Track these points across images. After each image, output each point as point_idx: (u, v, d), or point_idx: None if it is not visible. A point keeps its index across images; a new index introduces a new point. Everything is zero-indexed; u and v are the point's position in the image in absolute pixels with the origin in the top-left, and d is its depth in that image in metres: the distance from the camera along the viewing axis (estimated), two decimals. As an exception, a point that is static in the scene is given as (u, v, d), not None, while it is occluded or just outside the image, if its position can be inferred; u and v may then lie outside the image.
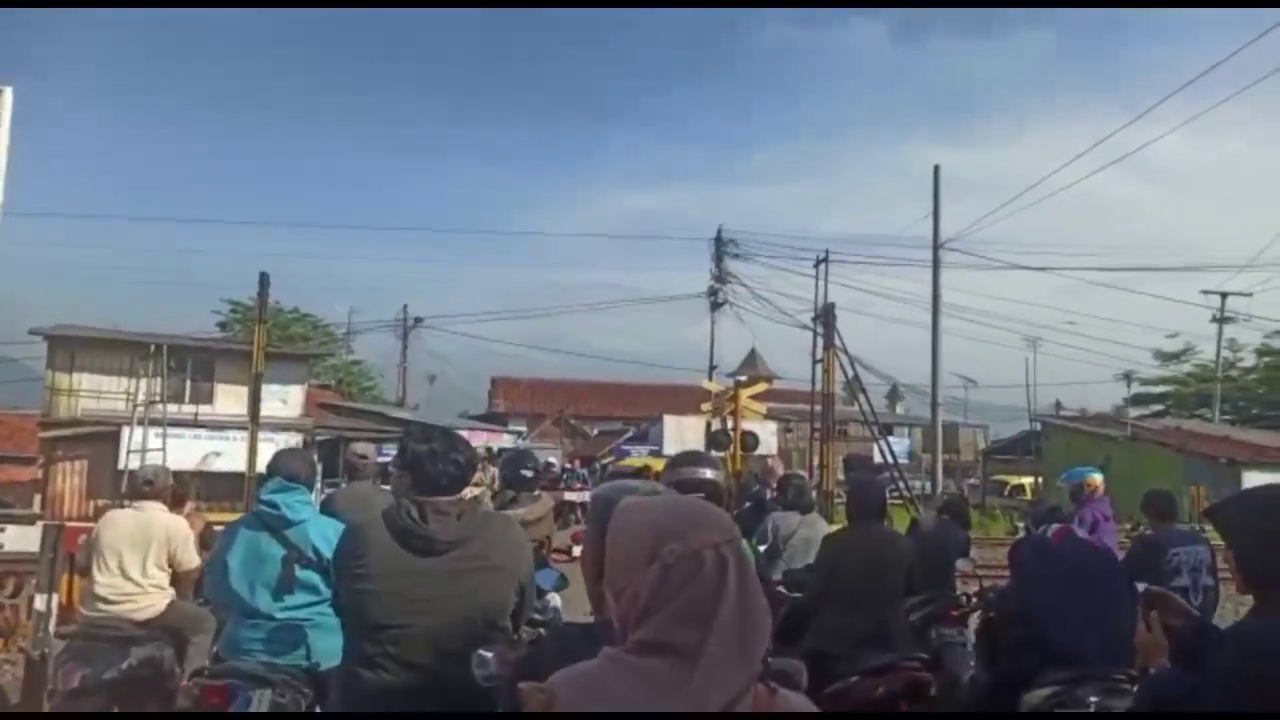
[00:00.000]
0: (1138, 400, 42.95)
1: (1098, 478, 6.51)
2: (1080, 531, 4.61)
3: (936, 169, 29.39)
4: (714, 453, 20.59)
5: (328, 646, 3.49)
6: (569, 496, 20.91)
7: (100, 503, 19.64)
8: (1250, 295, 35.88)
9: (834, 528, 6.07)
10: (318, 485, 4.80)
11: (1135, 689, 3.67)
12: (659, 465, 22.27)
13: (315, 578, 3.69)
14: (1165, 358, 45.39)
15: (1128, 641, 4.20)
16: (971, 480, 38.13)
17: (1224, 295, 35.74)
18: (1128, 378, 37.36)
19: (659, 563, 1.25)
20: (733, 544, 1.32)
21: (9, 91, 4.54)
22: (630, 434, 41.46)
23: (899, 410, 52.34)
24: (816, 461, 24.71)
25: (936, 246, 28.82)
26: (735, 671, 1.24)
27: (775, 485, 6.73)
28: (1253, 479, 25.34)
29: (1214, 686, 1.87)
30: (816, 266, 28.49)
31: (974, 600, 6.11)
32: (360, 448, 5.94)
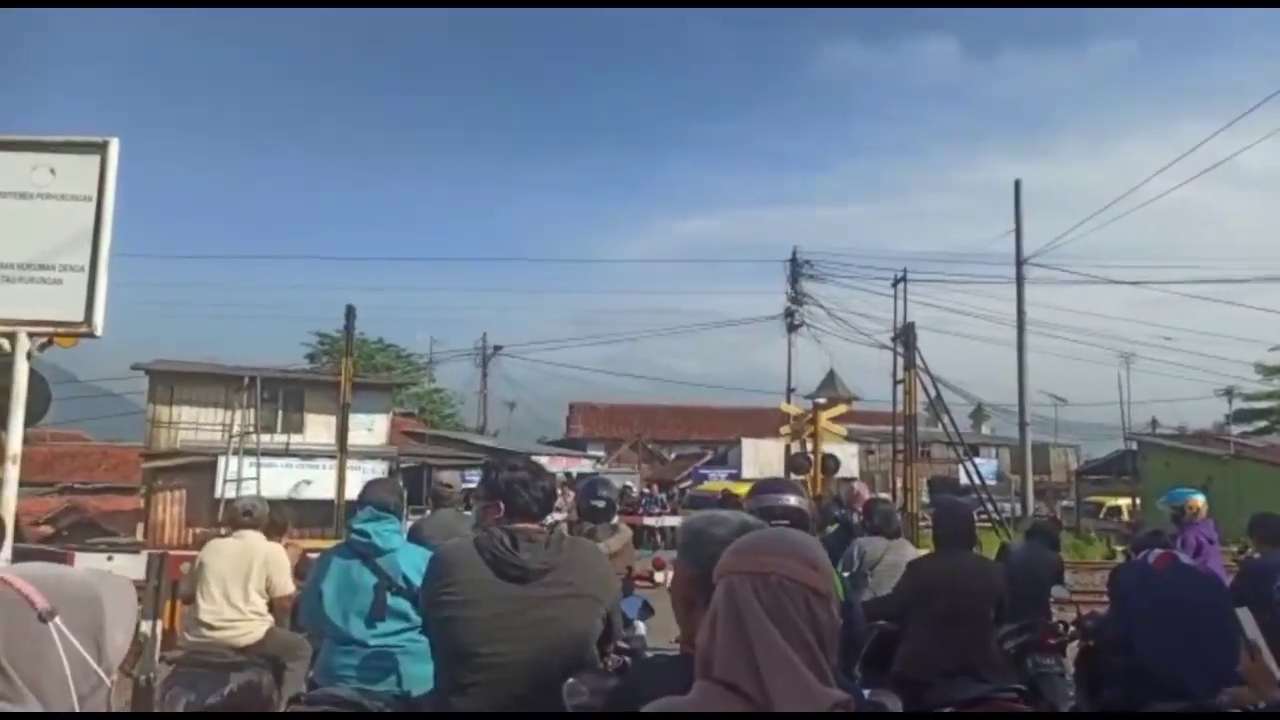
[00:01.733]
0: (1240, 417, 40.88)
1: (1200, 499, 6.22)
2: (1183, 556, 4.41)
3: (1018, 183, 28.79)
4: (794, 477, 20.41)
5: (418, 674, 3.55)
6: (647, 521, 20.92)
7: (198, 530, 20.36)
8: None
9: (921, 552, 5.93)
10: (405, 513, 4.89)
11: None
12: (740, 489, 22.16)
13: (406, 605, 3.76)
14: (1268, 371, 43.10)
15: (1234, 671, 4.03)
16: (1064, 502, 36.82)
17: (1331, 304, 33.95)
18: (1229, 393, 35.64)
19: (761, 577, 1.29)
20: (822, 585, 1.34)
21: (115, 143, 4.78)
22: (708, 458, 41.28)
23: (985, 431, 51.00)
24: (899, 484, 24.23)
25: (1020, 262, 28.15)
26: (816, 696, 1.24)
27: (861, 510, 6.60)
28: (1370, 498, 23.89)
29: None
30: (894, 285, 27.97)
31: (1071, 628, 5.90)
32: (446, 477, 6.07)
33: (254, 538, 5.22)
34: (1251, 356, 43.28)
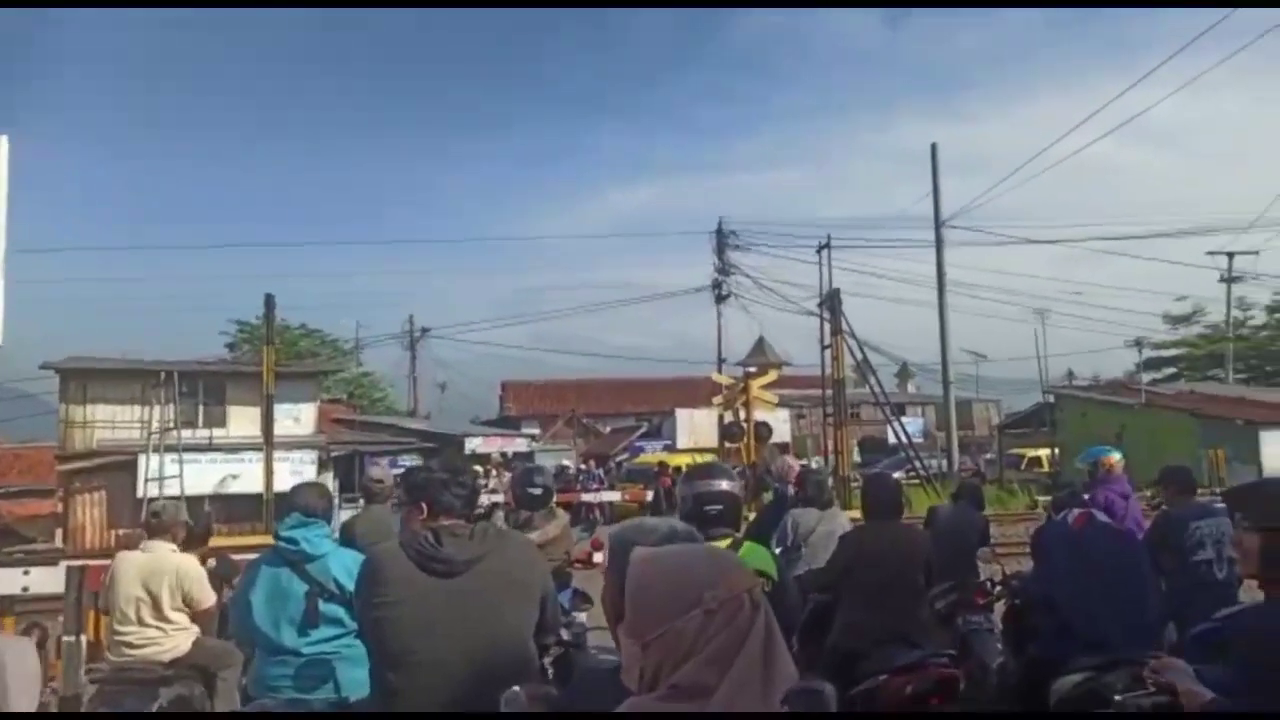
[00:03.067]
0: (1150, 365, 42.67)
1: (1115, 456, 6.45)
2: (1100, 515, 4.58)
3: (934, 147, 29.33)
4: (728, 445, 20.62)
5: (355, 679, 3.50)
6: (585, 498, 20.88)
7: (121, 532, 19.75)
8: (1257, 253, 35.72)
9: (853, 515, 6.03)
10: (336, 512, 4.78)
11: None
12: (675, 460, 22.37)
13: (339, 611, 3.69)
14: (1175, 321, 45.18)
15: (1153, 624, 4.21)
16: (987, 455, 37.99)
17: (1230, 255, 35.54)
18: (1138, 344, 37.09)
19: (701, 608, 1.30)
20: (758, 589, 1.37)
21: (4, 140, 4.52)
22: (643, 430, 41.39)
23: (911, 390, 52.26)
24: (831, 447, 24.71)
25: (939, 225, 28.77)
26: (757, 706, 1.27)
27: (794, 482, 6.70)
28: (1270, 438, 25.22)
29: None
30: (819, 252, 28.37)
31: (998, 587, 6.10)
32: (376, 472, 5.94)
33: (163, 550, 4.98)
34: (1159, 308, 45.26)
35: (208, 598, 4.95)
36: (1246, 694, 1.91)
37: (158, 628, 4.80)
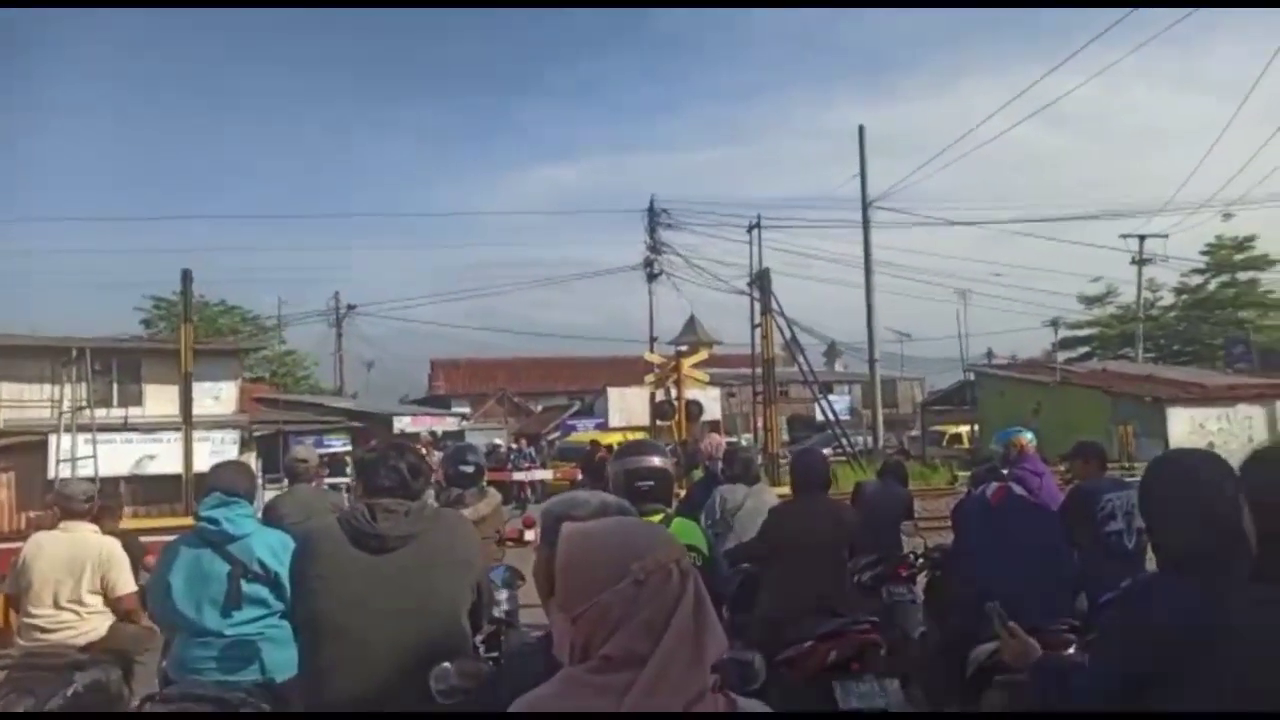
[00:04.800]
0: (1065, 344, 44.24)
1: (1026, 437, 6.67)
2: (1017, 488, 4.74)
3: (861, 129, 29.82)
4: (660, 423, 20.74)
5: (282, 660, 3.45)
6: (517, 477, 20.84)
7: (32, 515, 19.01)
8: (1167, 236, 37.10)
9: (780, 495, 6.14)
10: (260, 493, 4.66)
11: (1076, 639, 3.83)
12: (607, 439, 22.41)
13: (264, 591, 3.63)
14: (1089, 301, 46.81)
15: (1068, 594, 4.39)
16: (911, 432, 38.98)
17: (1142, 238, 36.86)
18: (1055, 323, 38.49)
19: (629, 579, 1.31)
20: (687, 559, 1.38)
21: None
22: (575, 408, 41.43)
23: (838, 368, 53.16)
24: (760, 424, 25.04)
25: (865, 206, 29.26)
26: (689, 675, 1.28)
27: (721, 459, 6.77)
28: (1176, 415, 26.36)
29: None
30: (749, 232, 28.66)
31: (921, 559, 6.27)
32: (301, 451, 5.81)
33: (84, 531, 4.80)
34: (1074, 289, 46.82)
35: (128, 585, 4.76)
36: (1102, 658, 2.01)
37: (73, 611, 4.63)
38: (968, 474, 13.16)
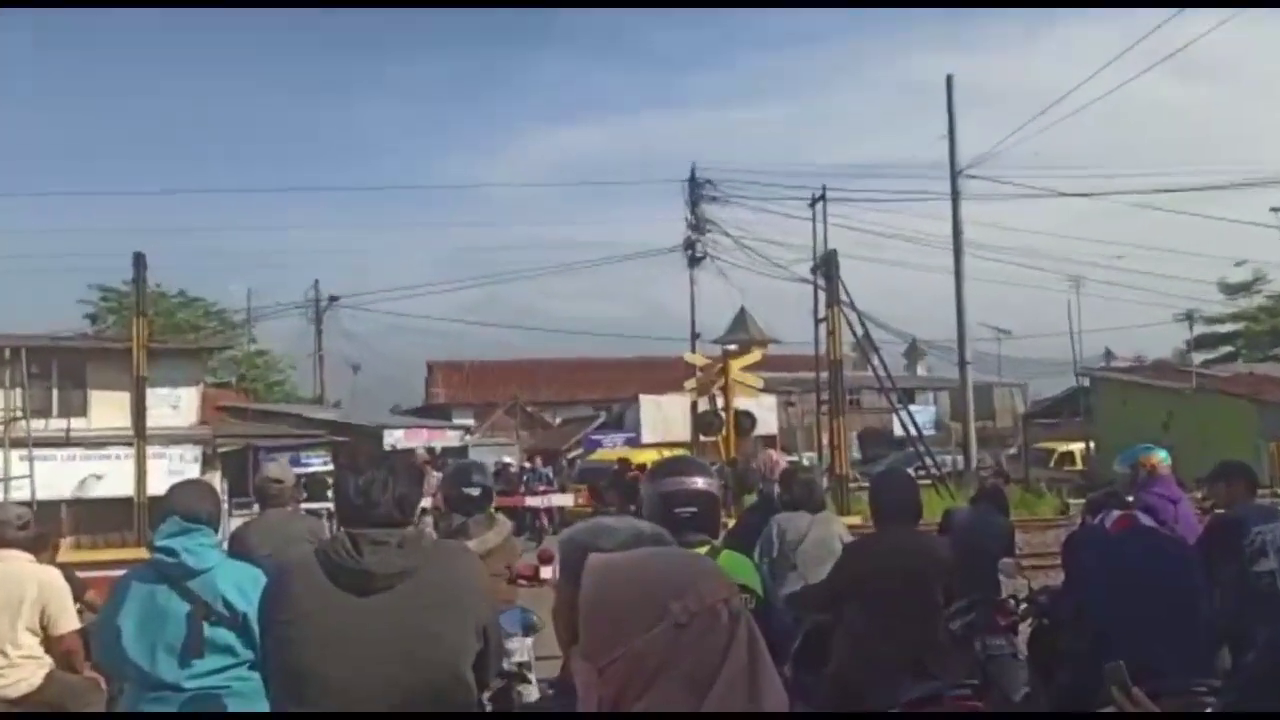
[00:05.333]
0: (1202, 343, 43.53)
1: (1158, 456, 6.54)
2: (1144, 518, 4.67)
3: (949, 80, 29.53)
4: (703, 439, 20.74)
5: (250, 719, 3.48)
6: (531, 502, 20.94)
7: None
8: (1329, 210, 36.36)
9: (851, 521, 6.11)
10: (225, 520, 4.72)
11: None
12: (640, 457, 22.44)
13: (229, 636, 3.66)
14: (1232, 290, 46.03)
15: (1208, 646, 4.31)
16: (1011, 450, 38.55)
17: (1298, 212, 36.18)
18: (1189, 317, 37.79)
19: (668, 622, 1.30)
20: (738, 598, 1.38)
21: None
22: (600, 420, 41.57)
23: (921, 372, 52.85)
24: (826, 440, 24.94)
25: (954, 173, 28.99)
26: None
27: (778, 481, 6.75)
28: (1341, 429, 25.87)
29: None
30: (812, 206, 28.54)
31: (1023, 604, 6.20)
32: (274, 470, 5.87)
33: (20, 561, 4.90)
34: (1213, 274, 46.02)
35: (70, 622, 4.86)
36: None
37: (3, 654, 4.72)
38: (1081, 501, 12.98)
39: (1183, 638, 4.02)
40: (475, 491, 5.45)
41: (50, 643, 4.86)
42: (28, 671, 4.77)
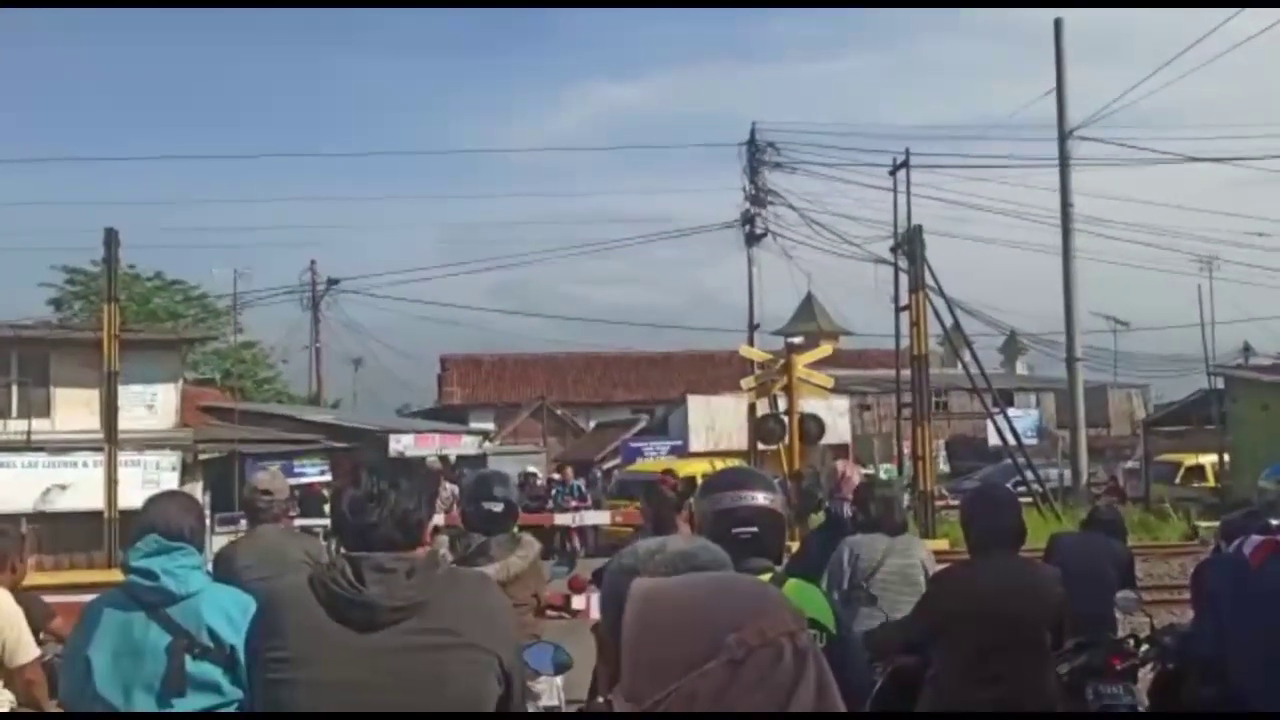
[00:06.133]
0: (1360, 337, 42.74)
1: None
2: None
3: (1057, 24, 29.19)
4: (761, 448, 20.69)
5: (240, 768, 3.53)
6: (560, 520, 21.00)
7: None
8: None
9: (936, 545, 6.09)
10: (209, 537, 4.79)
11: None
12: (687, 468, 22.44)
13: (215, 672, 3.70)
14: (1398, 274, 45.18)
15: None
16: (1129, 463, 38.09)
17: None
18: (1345, 305, 37.11)
19: (723, 657, 1.31)
20: (806, 633, 1.39)
21: None
22: (641, 425, 41.57)
23: (1021, 370, 52.40)
24: (908, 450, 24.80)
25: (1063, 136, 28.68)
26: None
27: (850, 498, 6.75)
28: None
29: None
30: (893, 174, 28.37)
31: (1145, 646, 6.15)
32: (264, 480, 5.94)
33: None
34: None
35: (29, 648, 4.95)
36: None
37: None
38: (1214, 524, 12.80)
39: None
40: (497, 507, 5.45)
41: (8, 675, 4.96)
42: None
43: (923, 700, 4.73)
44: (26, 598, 5.79)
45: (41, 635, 5.39)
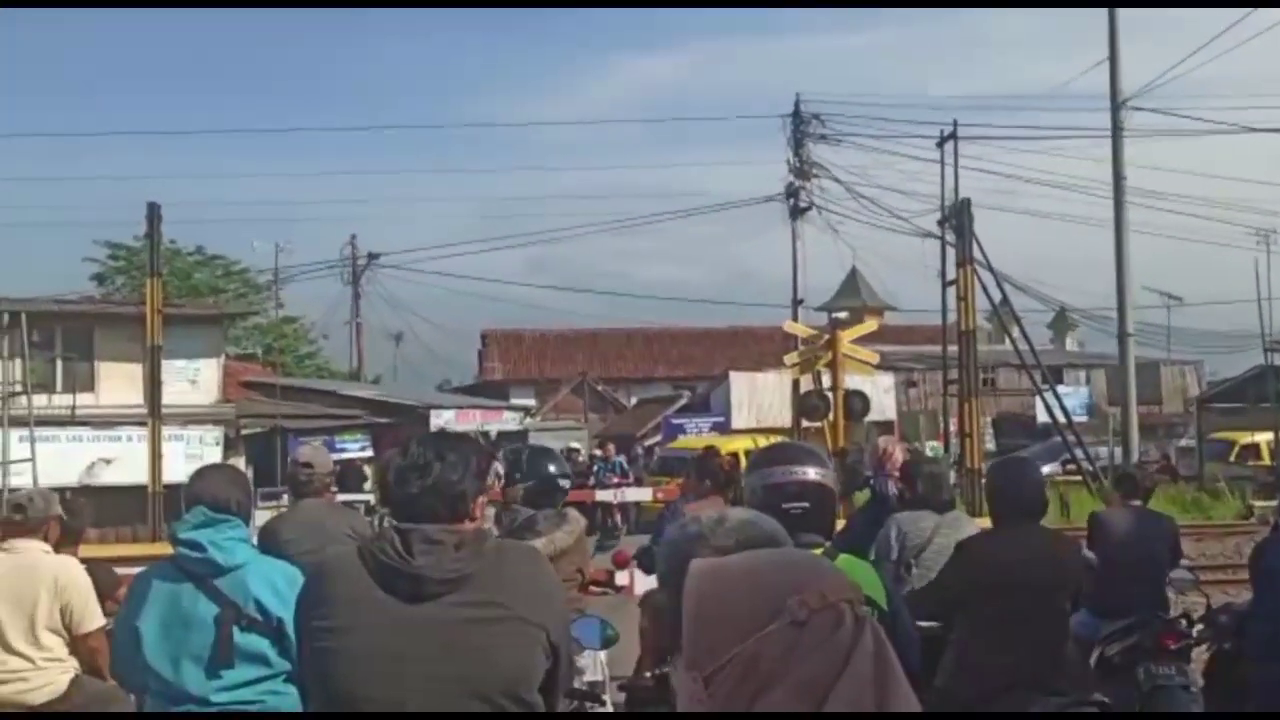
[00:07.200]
0: None
1: None
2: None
3: (1111, -10, 28.71)
4: (805, 424, 20.66)
5: (285, 739, 3.58)
6: (601, 496, 21.03)
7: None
8: None
9: (985, 522, 6.09)
10: (254, 510, 4.85)
11: None
12: (730, 445, 22.42)
13: (262, 644, 3.75)
14: None
15: None
16: (1182, 441, 37.75)
17: None
18: (1407, 279, 36.45)
19: (785, 619, 1.35)
20: (861, 602, 1.43)
21: None
22: (683, 401, 41.59)
23: (1071, 346, 51.93)
24: (955, 427, 24.66)
25: (1116, 106, 28.27)
26: None
27: (898, 474, 6.72)
28: None
29: None
30: (940, 145, 28.10)
31: (1199, 625, 6.11)
32: (305, 454, 5.99)
33: (35, 551, 5.12)
34: None
35: (95, 617, 5.05)
36: None
37: (25, 657, 4.93)
38: (1270, 504, 12.67)
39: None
40: (565, 483, 5.58)
41: (74, 643, 5.07)
42: (52, 676, 4.99)
43: (943, 665, 4.79)
44: (95, 566, 5.93)
45: (108, 605, 5.49)
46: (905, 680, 1.39)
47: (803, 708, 1.31)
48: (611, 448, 28.42)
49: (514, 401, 42.57)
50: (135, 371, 22.13)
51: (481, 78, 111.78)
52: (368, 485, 23.51)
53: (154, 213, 17.39)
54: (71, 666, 5.08)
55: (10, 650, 4.93)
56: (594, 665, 5.25)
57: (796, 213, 32.31)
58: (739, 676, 1.34)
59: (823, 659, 1.34)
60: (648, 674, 3.48)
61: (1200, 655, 6.28)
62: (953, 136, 28.05)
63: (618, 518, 21.96)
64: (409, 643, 2.64)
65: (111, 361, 24.65)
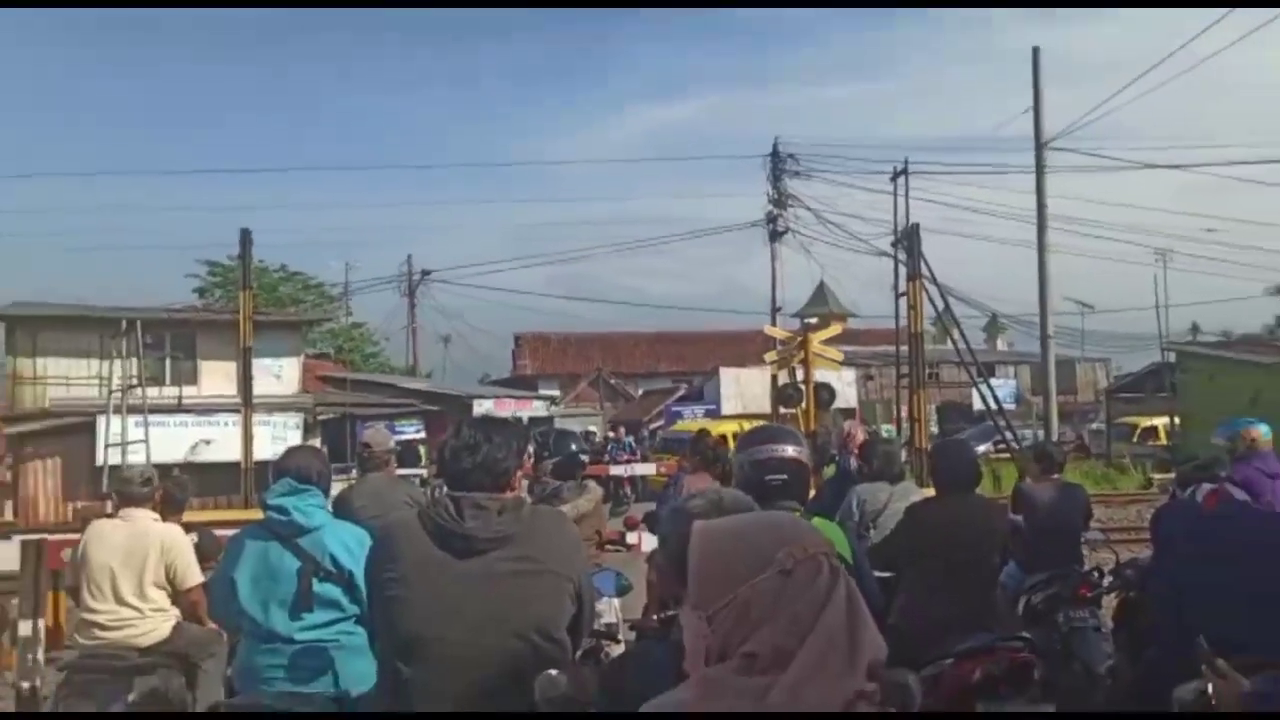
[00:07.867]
0: (1293, 318, 41.89)
1: (1260, 430, 6.30)
2: (1238, 493, 4.53)
3: (1035, 52, 28.66)
4: (783, 411, 20.58)
5: (357, 671, 3.58)
6: (614, 471, 21.01)
7: (79, 505, 20.16)
8: None
9: (930, 492, 6.09)
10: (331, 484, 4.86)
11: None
12: (720, 428, 22.41)
13: (337, 592, 3.77)
14: (1326, 264, 44.12)
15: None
16: (1094, 425, 37.71)
17: (1397, 184, 34.52)
18: (1280, 291, 36.37)
19: (775, 568, 1.37)
20: (835, 555, 1.45)
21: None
22: (682, 392, 41.59)
23: (1001, 346, 51.81)
24: (905, 413, 24.60)
25: (1040, 145, 28.19)
26: (840, 677, 1.34)
27: (859, 452, 6.71)
28: None
29: None
30: (894, 180, 28.04)
31: (1109, 577, 6.09)
32: (369, 435, 6.00)
33: (145, 519, 5.16)
34: (1306, 247, 44.09)
35: (195, 575, 5.09)
36: None
37: (134, 608, 4.96)
38: (1163, 476, 12.65)
39: (1277, 613, 3.89)
40: (585, 457, 5.57)
41: (177, 596, 5.10)
42: (156, 622, 5.01)
43: (895, 607, 4.79)
44: (202, 532, 5.96)
45: (210, 565, 5.53)
46: (872, 618, 1.41)
47: (789, 641, 1.34)
48: (622, 430, 28.37)
49: (542, 392, 42.49)
50: (230, 368, 22.23)
51: (516, 122, 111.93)
52: (422, 462, 23.55)
53: (246, 237, 17.50)
54: (174, 615, 5.11)
55: (122, 602, 4.97)
56: (610, 610, 5.26)
57: (775, 236, 32.25)
58: (736, 616, 1.37)
59: (807, 600, 1.36)
60: (654, 617, 3.49)
61: (1110, 602, 6.26)
62: (904, 172, 28.01)
63: (628, 488, 21.90)
64: (462, 591, 2.66)
65: (211, 360, 24.78)
